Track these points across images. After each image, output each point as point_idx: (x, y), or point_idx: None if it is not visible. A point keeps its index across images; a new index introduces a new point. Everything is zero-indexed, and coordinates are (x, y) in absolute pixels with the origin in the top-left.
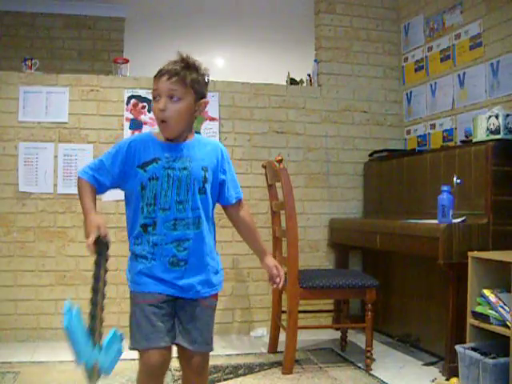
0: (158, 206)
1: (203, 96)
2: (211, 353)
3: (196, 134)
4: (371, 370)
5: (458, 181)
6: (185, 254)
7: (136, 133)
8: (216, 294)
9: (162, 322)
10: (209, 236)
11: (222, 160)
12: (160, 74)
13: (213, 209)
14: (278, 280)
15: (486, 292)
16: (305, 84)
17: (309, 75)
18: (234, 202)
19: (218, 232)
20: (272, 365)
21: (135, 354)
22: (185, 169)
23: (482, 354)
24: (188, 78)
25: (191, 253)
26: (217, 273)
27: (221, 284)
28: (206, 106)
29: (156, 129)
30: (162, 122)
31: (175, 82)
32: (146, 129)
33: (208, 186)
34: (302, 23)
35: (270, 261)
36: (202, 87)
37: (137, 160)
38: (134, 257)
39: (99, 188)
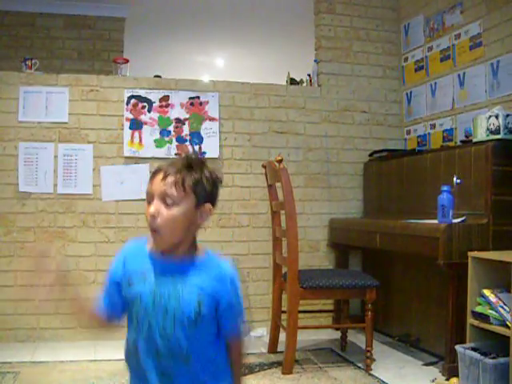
0: (140, 332)
1: (208, 201)
2: None
3: (206, 252)
4: (371, 370)
5: (458, 181)
6: None
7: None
8: None
9: None
10: (205, 373)
11: (229, 293)
12: (155, 173)
13: (213, 343)
14: None
15: (486, 292)
16: (305, 84)
17: (309, 75)
18: (228, 341)
19: (217, 232)
20: (272, 365)
21: None
22: (175, 298)
23: (482, 354)
24: (188, 178)
25: None
26: None
27: None
28: (211, 213)
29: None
30: (152, 231)
31: (171, 183)
32: (145, 129)
33: (201, 320)
34: (302, 23)
35: None
36: (207, 190)
37: (127, 274)
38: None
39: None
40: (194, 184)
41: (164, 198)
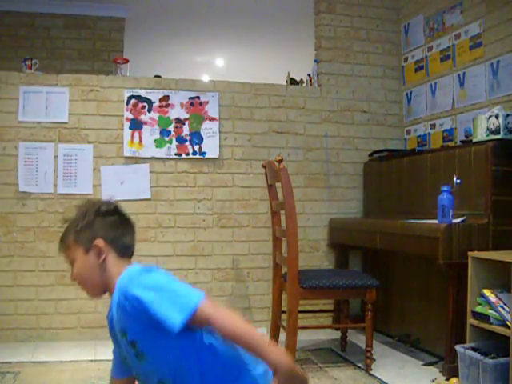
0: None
1: (93, 238)
2: None
3: (118, 282)
4: (371, 370)
5: (458, 181)
6: None
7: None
8: None
9: None
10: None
11: (133, 309)
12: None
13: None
14: None
15: (486, 292)
16: (305, 84)
17: (309, 75)
18: (180, 325)
19: (217, 232)
20: None
21: None
22: (122, 335)
23: (481, 354)
24: (65, 236)
25: None
26: None
27: None
28: (103, 246)
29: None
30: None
31: (62, 250)
32: (146, 129)
33: (140, 346)
34: (302, 23)
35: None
36: (84, 232)
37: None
38: None
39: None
40: (70, 237)
41: (68, 262)
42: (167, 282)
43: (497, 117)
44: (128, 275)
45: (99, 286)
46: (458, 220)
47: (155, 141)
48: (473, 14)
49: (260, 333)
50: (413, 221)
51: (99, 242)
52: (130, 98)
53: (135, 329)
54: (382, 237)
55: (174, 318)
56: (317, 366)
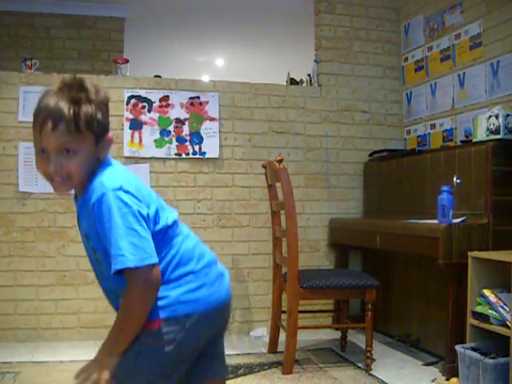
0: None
1: (106, 131)
2: None
3: (95, 179)
4: (371, 370)
5: (458, 181)
6: None
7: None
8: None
9: None
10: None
11: (91, 216)
12: (41, 120)
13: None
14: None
15: (486, 292)
16: (305, 84)
17: (309, 75)
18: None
19: (217, 232)
20: (272, 365)
21: None
22: (85, 236)
23: (482, 354)
24: (79, 117)
25: None
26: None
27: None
28: (111, 142)
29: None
30: (52, 181)
31: (65, 131)
32: (146, 129)
33: (100, 255)
34: (302, 23)
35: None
36: (102, 121)
37: None
38: None
39: None
40: (89, 121)
41: (61, 150)
42: (131, 223)
43: (497, 117)
44: (109, 183)
45: (82, 183)
46: (458, 220)
47: (155, 141)
48: (473, 13)
49: (135, 327)
50: (413, 221)
51: (110, 136)
52: (129, 98)
53: (93, 235)
54: (382, 237)
55: (113, 263)
56: (317, 366)
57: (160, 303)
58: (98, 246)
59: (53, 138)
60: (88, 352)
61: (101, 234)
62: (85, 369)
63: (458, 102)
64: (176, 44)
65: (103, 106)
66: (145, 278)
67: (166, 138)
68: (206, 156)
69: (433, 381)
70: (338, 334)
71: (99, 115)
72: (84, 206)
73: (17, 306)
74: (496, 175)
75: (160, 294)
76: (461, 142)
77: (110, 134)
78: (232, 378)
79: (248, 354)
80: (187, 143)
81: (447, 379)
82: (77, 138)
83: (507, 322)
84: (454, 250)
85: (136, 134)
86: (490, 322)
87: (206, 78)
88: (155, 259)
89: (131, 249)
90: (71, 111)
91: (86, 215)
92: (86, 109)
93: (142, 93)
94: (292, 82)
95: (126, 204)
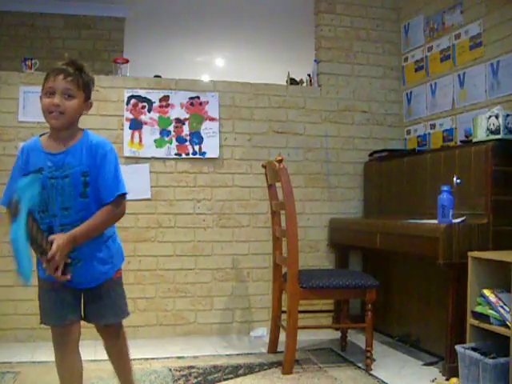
0: (50, 213)
1: (89, 98)
2: (212, 353)
3: (84, 132)
4: (371, 369)
5: (458, 181)
6: (74, 254)
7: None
8: (113, 275)
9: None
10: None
11: (97, 159)
12: (55, 73)
13: (99, 206)
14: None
15: (486, 292)
16: (305, 84)
17: (309, 75)
18: (109, 201)
19: (217, 232)
20: (272, 365)
21: (134, 355)
22: (66, 177)
23: (482, 354)
24: (80, 80)
25: (80, 253)
26: (105, 263)
27: (113, 266)
28: (91, 107)
29: (43, 131)
30: (52, 113)
31: (70, 82)
32: (146, 129)
33: (90, 190)
34: (302, 23)
35: (57, 236)
36: (90, 90)
37: (27, 168)
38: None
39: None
40: (85, 84)
41: (65, 92)
42: (117, 163)
43: (497, 117)
44: (99, 137)
45: (70, 124)
46: (458, 220)
47: (155, 141)
48: (473, 13)
49: (98, 233)
50: (413, 221)
51: (92, 102)
52: (129, 98)
53: (94, 172)
54: (382, 237)
55: (116, 189)
56: (317, 366)
57: (119, 256)
58: (93, 181)
59: (62, 83)
60: (88, 352)
61: (106, 171)
62: (54, 251)
63: (458, 102)
64: (176, 44)
65: (91, 81)
66: (123, 206)
67: (166, 138)
68: (206, 156)
69: (433, 381)
70: (337, 334)
71: (90, 84)
72: (81, 149)
73: (17, 306)
74: (496, 175)
75: (117, 246)
76: (461, 142)
77: (91, 101)
78: (232, 378)
79: (248, 353)
80: (187, 143)
81: (447, 379)
82: (75, 90)
83: (507, 322)
84: (454, 250)
85: (136, 134)
86: (490, 322)
87: (205, 78)
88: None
89: (124, 184)
90: (76, 73)
91: (83, 157)
92: (84, 76)
93: (142, 93)
94: (292, 81)
95: (116, 157)
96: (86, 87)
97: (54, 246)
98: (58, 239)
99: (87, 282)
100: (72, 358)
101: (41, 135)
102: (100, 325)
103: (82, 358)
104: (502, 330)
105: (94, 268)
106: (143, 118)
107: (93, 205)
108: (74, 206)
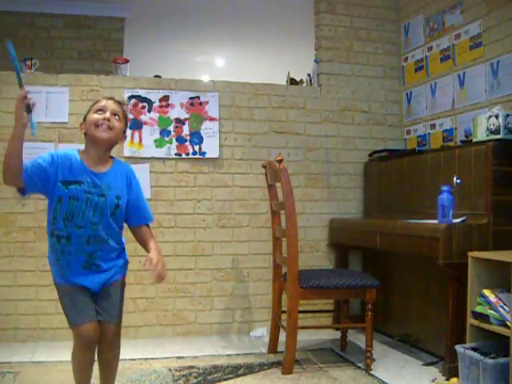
0: (75, 223)
1: (125, 131)
2: (212, 353)
3: (113, 160)
4: (371, 369)
5: (458, 181)
6: (96, 261)
7: (64, 147)
8: (120, 278)
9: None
10: (115, 244)
11: (132, 187)
12: (106, 98)
13: (122, 226)
14: (152, 262)
15: (486, 292)
16: (305, 84)
17: (309, 75)
18: (147, 223)
19: (217, 232)
20: (272, 365)
21: (134, 355)
22: (103, 196)
23: (482, 354)
24: (123, 111)
25: (101, 260)
26: (121, 266)
27: (124, 268)
28: (125, 140)
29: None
30: (102, 126)
31: (119, 106)
32: (146, 129)
33: (118, 211)
34: (302, 23)
35: (152, 254)
36: (127, 125)
37: (60, 175)
38: (52, 256)
39: (25, 172)
40: (125, 116)
41: (115, 113)
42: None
43: (497, 117)
44: (126, 163)
45: (111, 144)
46: (458, 220)
47: (155, 141)
48: (473, 13)
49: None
50: (413, 221)
51: (126, 136)
52: (129, 97)
53: (124, 195)
54: (382, 237)
55: (147, 216)
56: (317, 366)
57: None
58: (122, 205)
59: (112, 105)
60: None
61: (141, 199)
62: (155, 263)
63: (458, 102)
64: (176, 44)
65: (128, 118)
66: None
67: (166, 138)
68: (206, 156)
69: (433, 381)
70: (338, 334)
71: (127, 119)
72: (117, 174)
73: (17, 306)
74: (496, 175)
75: (127, 255)
76: (461, 142)
77: (126, 135)
78: (232, 378)
79: (248, 353)
80: (187, 143)
81: (447, 379)
82: (121, 116)
83: (507, 322)
84: (453, 250)
85: (136, 134)
86: (490, 322)
87: (205, 78)
88: None
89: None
90: (122, 107)
91: (118, 181)
92: (125, 109)
93: (142, 93)
94: (292, 82)
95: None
96: (126, 119)
97: (155, 259)
98: (154, 256)
99: (100, 284)
100: (92, 358)
101: (78, 150)
102: (108, 324)
103: None
104: (502, 330)
105: (110, 272)
106: (143, 117)
107: (115, 224)
108: (102, 222)
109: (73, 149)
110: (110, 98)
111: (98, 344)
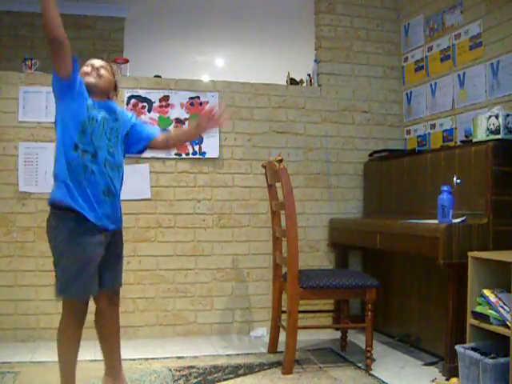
0: (94, 143)
1: (116, 89)
2: (212, 353)
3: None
4: (371, 369)
5: (458, 181)
6: (113, 186)
7: None
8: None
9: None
10: (121, 177)
11: (135, 118)
12: (93, 57)
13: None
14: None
15: (486, 292)
16: (305, 84)
17: (309, 75)
18: (158, 134)
19: (217, 232)
20: (272, 365)
21: (134, 355)
22: (117, 120)
23: (482, 354)
24: (111, 67)
25: (116, 187)
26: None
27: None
28: (117, 97)
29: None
30: (90, 74)
31: (106, 62)
32: None
33: (127, 140)
34: (302, 23)
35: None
36: (117, 84)
37: (85, 97)
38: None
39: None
40: (114, 74)
41: (103, 66)
42: None
43: (497, 117)
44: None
45: (104, 93)
46: (458, 220)
47: None
48: (473, 13)
49: None
50: (413, 221)
51: (117, 94)
52: (129, 97)
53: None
54: (382, 237)
55: (155, 130)
56: (317, 366)
57: None
58: (130, 130)
59: (99, 62)
60: (88, 352)
61: (138, 122)
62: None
63: (458, 102)
64: (176, 44)
65: (117, 79)
66: None
67: None
68: (206, 156)
69: (433, 381)
70: (338, 334)
71: (117, 79)
72: (116, 110)
73: (17, 306)
74: (496, 175)
75: None
76: (461, 142)
77: (118, 93)
78: (232, 378)
79: (248, 353)
80: (187, 143)
81: (447, 379)
82: (109, 71)
83: (507, 322)
84: (453, 250)
85: None
86: (490, 322)
87: (205, 78)
88: None
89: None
90: (110, 65)
91: (122, 115)
92: (115, 71)
93: (142, 93)
94: (292, 82)
95: None
96: (115, 77)
97: (207, 107)
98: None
99: (115, 221)
100: (81, 333)
101: None
102: (113, 289)
103: (82, 358)
104: (502, 330)
105: (118, 207)
106: (143, 117)
107: (124, 152)
108: (117, 146)
109: None
110: (96, 57)
111: (101, 315)
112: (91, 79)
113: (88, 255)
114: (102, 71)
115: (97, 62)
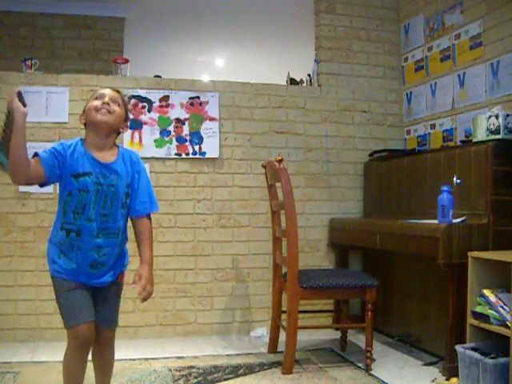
0: (85, 216)
1: (127, 120)
2: (212, 353)
3: (118, 147)
4: (371, 370)
5: (458, 181)
6: (104, 258)
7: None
8: (119, 276)
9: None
10: (123, 240)
11: (139, 174)
12: (104, 88)
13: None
14: (139, 288)
15: (486, 292)
16: (305, 84)
17: (309, 75)
18: (147, 213)
19: (217, 232)
20: (272, 365)
21: (134, 355)
22: (112, 186)
23: (482, 354)
24: (122, 99)
25: (108, 257)
26: (123, 265)
27: (126, 263)
28: (127, 129)
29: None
30: (101, 110)
31: (117, 94)
32: (145, 129)
33: (129, 200)
34: (302, 23)
35: (143, 269)
36: (128, 114)
37: (69, 168)
38: (56, 251)
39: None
40: (125, 105)
41: (114, 99)
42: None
43: (497, 117)
44: (131, 150)
45: (112, 130)
46: (458, 220)
47: (155, 141)
48: (473, 13)
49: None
50: (413, 221)
51: (127, 125)
52: (129, 97)
53: (133, 184)
54: (382, 237)
55: (152, 205)
56: (317, 366)
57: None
58: (132, 193)
59: (111, 93)
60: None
61: (141, 183)
62: (144, 284)
63: (458, 102)
64: (176, 44)
65: (129, 109)
66: None
67: (166, 138)
68: (206, 156)
69: (433, 381)
70: (338, 334)
71: (128, 110)
72: (123, 162)
73: (17, 306)
74: (496, 175)
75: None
76: (461, 142)
77: (128, 124)
78: (232, 378)
79: (248, 353)
80: (187, 143)
81: (447, 379)
82: (121, 103)
83: (507, 322)
84: (453, 250)
85: (136, 134)
86: (490, 322)
87: (205, 78)
88: None
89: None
90: (122, 95)
91: (125, 169)
92: (125, 99)
93: (142, 93)
94: (292, 82)
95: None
96: (126, 107)
97: (143, 280)
98: (145, 274)
99: (104, 282)
100: (86, 359)
101: (81, 139)
102: (103, 328)
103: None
104: (502, 329)
105: (113, 266)
106: (143, 117)
107: (125, 216)
108: (114, 214)
109: (74, 138)
110: (108, 87)
111: (93, 345)
112: (101, 117)
113: (70, 284)
114: (113, 106)
115: (107, 95)
